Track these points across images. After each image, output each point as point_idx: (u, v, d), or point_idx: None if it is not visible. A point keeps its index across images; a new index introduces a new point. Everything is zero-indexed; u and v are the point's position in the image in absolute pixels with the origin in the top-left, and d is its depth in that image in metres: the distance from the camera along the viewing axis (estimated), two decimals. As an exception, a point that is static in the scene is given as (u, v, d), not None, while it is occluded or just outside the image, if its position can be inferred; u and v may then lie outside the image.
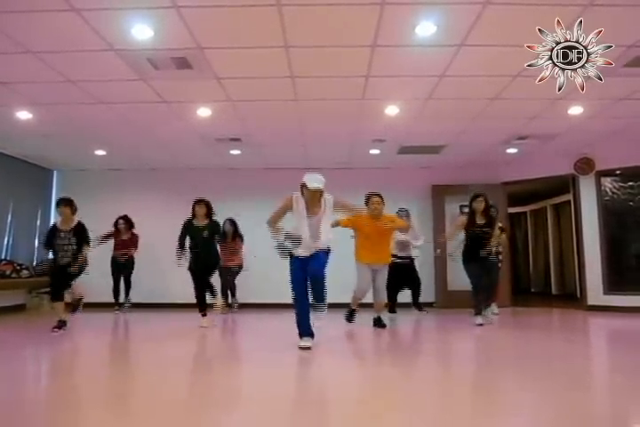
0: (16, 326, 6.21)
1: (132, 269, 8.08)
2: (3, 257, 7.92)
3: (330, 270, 4.67)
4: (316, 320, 4.65)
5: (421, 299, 8.73)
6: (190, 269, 6.24)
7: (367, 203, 5.86)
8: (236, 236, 7.91)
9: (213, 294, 6.59)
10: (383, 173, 9.17)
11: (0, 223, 7.93)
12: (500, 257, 6.59)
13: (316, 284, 4.56)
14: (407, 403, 2.83)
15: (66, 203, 5.84)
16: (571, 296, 9.80)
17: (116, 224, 8.03)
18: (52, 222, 6.33)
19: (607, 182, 8.02)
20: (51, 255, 6.02)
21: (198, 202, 6.27)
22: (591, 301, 7.94)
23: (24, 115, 6.10)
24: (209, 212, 6.29)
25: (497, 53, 4.46)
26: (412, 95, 5.60)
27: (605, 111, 6.05)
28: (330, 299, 4.69)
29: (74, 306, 5.82)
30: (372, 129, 6.86)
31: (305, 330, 4.53)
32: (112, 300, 8.04)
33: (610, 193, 7.98)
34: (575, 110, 5.99)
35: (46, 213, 8.71)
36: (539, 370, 3.71)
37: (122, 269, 8.04)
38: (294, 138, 7.33)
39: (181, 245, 6.18)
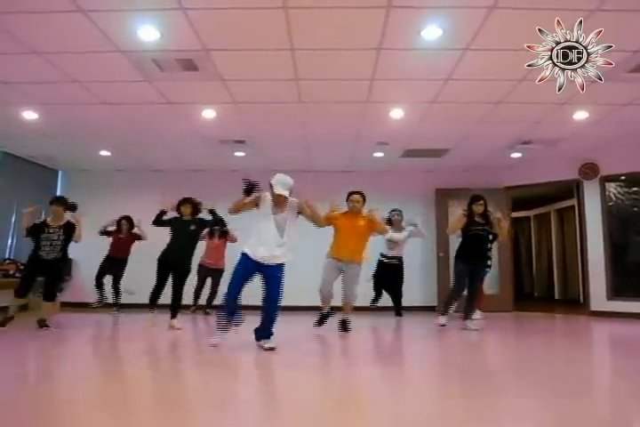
0: (18, 326, 6.19)
1: (123, 271, 7.81)
2: (6, 257, 7.95)
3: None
4: (266, 344, 4.53)
5: (424, 303, 8.77)
6: (160, 260, 6.19)
7: (347, 200, 5.85)
8: (224, 232, 7.67)
9: (176, 311, 6.26)
10: (387, 176, 9.18)
11: (4, 223, 7.97)
12: (489, 262, 6.55)
13: (270, 311, 4.57)
14: (403, 408, 2.82)
15: (58, 202, 6.01)
16: (574, 301, 9.78)
17: (118, 223, 7.97)
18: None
19: (612, 188, 7.99)
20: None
21: (184, 201, 6.32)
22: (594, 306, 7.90)
23: (29, 115, 6.13)
24: (195, 211, 6.35)
25: (502, 57, 4.47)
26: (417, 98, 5.60)
27: (610, 116, 6.04)
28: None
29: (39, 324, 5.77)
30: (376, 132, 6.86)
31: (223, 326, 4.54)
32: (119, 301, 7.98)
33: (614, 198, 7.96)
34: (580, 115, 5.99)
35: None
36: (539, 375, 3.69)
37: (113, 268, 7.76)
38: (298, 140, 7.34)
39: (158, 224, 6.32)
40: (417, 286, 8.89)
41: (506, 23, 3.89)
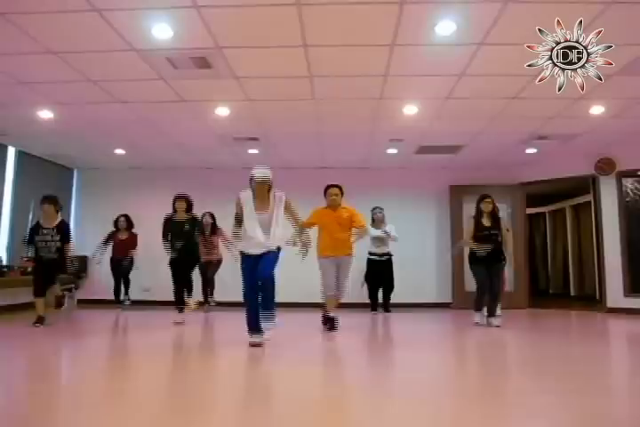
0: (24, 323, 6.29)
1: (131, 268, 8.08)
2: (24, 254, 8.04)
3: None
4: (265, 331, 4.54)
5: (438, 299, 8.75)
6: (171, 263, 6.38)
7: (325, 194, 5.81)
8: (215, 229, 7.82)
9: (190, 292, 6.53)
10: (400, 173, 9.15)
11: (22, 221, 8.05)
12: (504, 262, 6.49)
13: (265, 289, 4.57)
14: (420, 404, 2.81)
15: (50, 201, 6.03)
16: (590, 298, 9.68)
17: (116, 222, 8.03)
18: (70, 221, 6.46)
19: (628, 183, 7.89)
20: (30, 253, 6.21)
21: (179, 198, 6.47)
22: (611, 303, 7.83)
23: (45, 114, 6.18)
24: (189, 207, 6.48)
25: (517, 52, 4.38)
26: (431, 95, 5.57)
27: (627, 111, 5.96)
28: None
29: (58, 302, 6.01)
30: (390, 128, 6.83)
31: (253, 327, 4.53)
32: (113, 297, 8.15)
33: (631, 194, 7.85)
34: (597, 110, 5.91)
35: (66, 212, 8.81)
36: (556, 372, 3.67)
37: (121, 269, 8.04)
38: (311, 137, 7.33)
39: (167, 239, 6.43)
40: (432, 284, 8.88)
41: (520, 17, 3.84)
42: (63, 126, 6.71)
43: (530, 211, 10.51)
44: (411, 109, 6.00)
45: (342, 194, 5.81)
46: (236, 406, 2.84)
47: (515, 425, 2.51)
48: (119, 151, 8.20)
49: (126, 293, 8.17)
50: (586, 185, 8.67)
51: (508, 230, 6.35)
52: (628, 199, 7.87)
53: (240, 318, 4.64)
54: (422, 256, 8.87)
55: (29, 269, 7.70)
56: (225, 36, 4.20)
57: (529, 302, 8.69)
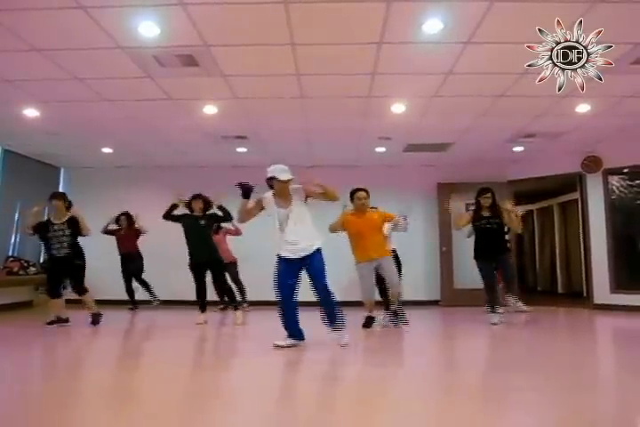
0: (22, 323, 6.24)
1: (142, 266, 7.96)
2: (10, 254, 7.97)
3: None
4: (341, 338, 4.54)
5: (426, 296, 8.78)
6: (191, 267, 6.29)
7: (352, 198, 5.75)
8: (218, 229, 7.55)
9: (234, 301, 6.45)
10: (389, 171, 9.16)
11: (8, 221, 7.98)
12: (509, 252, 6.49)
13: (325, 303, 4.54)
14: (411, 401, 2.82)
15: (58, 197, 6.05)
16: (577, 295, 9.75)
17: (117, 221, 7.99)
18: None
19: (614, 181, 7.96)
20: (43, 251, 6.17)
21: (195, 197, 6.38)
22: (598, 300, 7.90)
23: (31, 112, 6.12)
24: (205, 207, 6.39)
25: (504, 51, 4.44)
26: (419, 93, 5.58)
27: (613, 109, 6.01)
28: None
29: (93, 319, 5.95)
30: (378, 127, 6.84)
31: (292, 332, 4.55)
32: (124, 297, 8.04)
33: (617, 191, 7.93)
34: (583, 108, 5.96)
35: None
36: (545, 369, 3.70)
37: (130, 266, 7.94)
38: (300, 135, 7.33)
39: (168, 219, 6.37)
40: (420, 281, 8.89)
41: (507, 16, 3.86)
42: (49, 125, 6.65)
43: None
44: (398, 108, 6.01)
45: (368, 196, 5.77)
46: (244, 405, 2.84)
47: (507, 423, 2.53)
48: (106, 150, 8.14)
49: (151, 295, 7.95)
50: (573, 183, 8.74)
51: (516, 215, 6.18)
52: (614, 197, 7.94)
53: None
54: (410, 254, 8.85)
55: (15, 270, 7.67)
56: (212, 33, 4.18)
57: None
